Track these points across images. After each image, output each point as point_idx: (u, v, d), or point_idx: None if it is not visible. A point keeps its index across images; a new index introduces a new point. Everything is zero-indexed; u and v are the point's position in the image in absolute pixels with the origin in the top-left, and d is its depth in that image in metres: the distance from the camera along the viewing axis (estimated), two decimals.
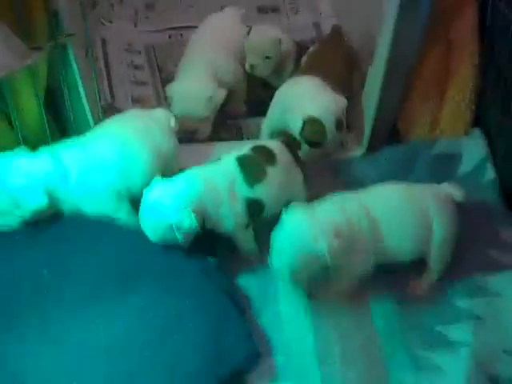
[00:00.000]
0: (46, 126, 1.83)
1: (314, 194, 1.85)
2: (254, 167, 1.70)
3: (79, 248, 1.69)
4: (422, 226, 1.64)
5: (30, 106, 1.80)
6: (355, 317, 1.66)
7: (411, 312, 1.67)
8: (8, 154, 1.70)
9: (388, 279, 1.71)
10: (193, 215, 1.60)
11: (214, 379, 1.47)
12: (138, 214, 1.67)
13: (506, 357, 1.56)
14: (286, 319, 1.64)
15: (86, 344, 1.51)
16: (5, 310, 1.56)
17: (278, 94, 2.05)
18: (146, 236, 1.66)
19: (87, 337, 1.52)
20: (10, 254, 1.66)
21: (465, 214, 1.86)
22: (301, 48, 2.32)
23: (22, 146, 1.74)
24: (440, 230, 1.65)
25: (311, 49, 2.24)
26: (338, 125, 1.90)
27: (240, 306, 1.63)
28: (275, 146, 1.77)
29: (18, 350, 1.49)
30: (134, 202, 1.74)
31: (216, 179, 1.67)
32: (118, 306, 1.58)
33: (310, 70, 2.07)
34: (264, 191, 1.69)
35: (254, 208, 1.69)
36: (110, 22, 2.79)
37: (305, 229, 1.52)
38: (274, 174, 1.71)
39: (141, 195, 1.67)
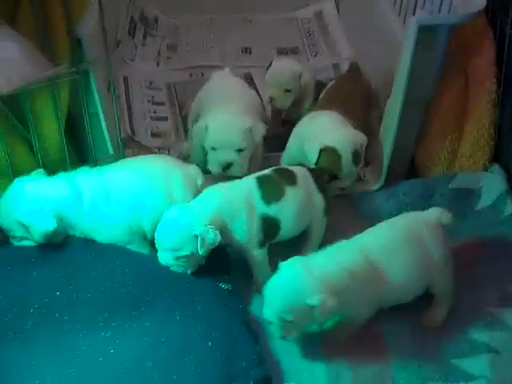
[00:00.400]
0: (66, 152, 1.85)
1: (331, 226, 1.87)
2: (272, 186, 1.72)
3: (92, 271, 1.69)
4: (421, 257, 1.62)
5: (50, 131, 1.82)
6: (368, 347, 1.63)
7: (426, 344, 1.64)
8: (24, 177, 1.72)
9: (403, 312, 1.68)
10: (216, 230, 1.62)
11: None
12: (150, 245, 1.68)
13: None
14: (299, 346, 1.62)
15: (95, 366, 1.50)
16: (16, 327, 1.56)
17: (297, 127, 2.07)
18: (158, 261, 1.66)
19: (97, 359, 1.51)
20: (25, 273, 1.67)
21: (484, 249, 1.86)
22: (320, 84, 2.34)
23: (39, 170, 1.76)
24: (439, 255, 1.63)
25: (329, 84, 2.26)
26: (355, 158, 1.90)
27: (252, 331, 1.61)
28: (298, 169, 1.80)
29: (28, 368, 1.48)
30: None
31: (234, 194, 1.69)
32: (129, 329, 1.57)
33: (329, 105, 2.08)
34: (280, 210, 1.71)
35: (269, 226, 1.70)
36: (133, 60, 2.85)
37: (299, 282, 1.50)
38: (292, 194, 1.72)
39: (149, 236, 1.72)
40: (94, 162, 1.92)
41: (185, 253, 1.63)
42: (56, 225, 1.67)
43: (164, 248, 1.66)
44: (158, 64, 2.88)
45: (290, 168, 1.80)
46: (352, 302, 1.55)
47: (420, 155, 2.09)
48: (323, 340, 1.63)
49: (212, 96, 2.15)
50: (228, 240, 1.68)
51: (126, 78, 2.72)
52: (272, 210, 1.70)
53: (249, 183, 1.73)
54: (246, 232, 1.68)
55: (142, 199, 1.74)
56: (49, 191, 1.69)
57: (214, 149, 1.95)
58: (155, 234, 1.66)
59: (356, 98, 2.13)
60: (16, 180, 1.73)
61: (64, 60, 1.76)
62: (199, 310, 1.59)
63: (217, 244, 1.63)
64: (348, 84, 2.21)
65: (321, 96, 2.23)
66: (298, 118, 2.27)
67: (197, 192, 1.77)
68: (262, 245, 1.70)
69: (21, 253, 1.72)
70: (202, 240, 1.61)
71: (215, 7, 3.14)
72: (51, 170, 1.80)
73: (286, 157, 2.07)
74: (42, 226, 1.67)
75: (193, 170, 1.83)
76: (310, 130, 1.97)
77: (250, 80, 2.75)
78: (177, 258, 1.65)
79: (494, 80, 1.96)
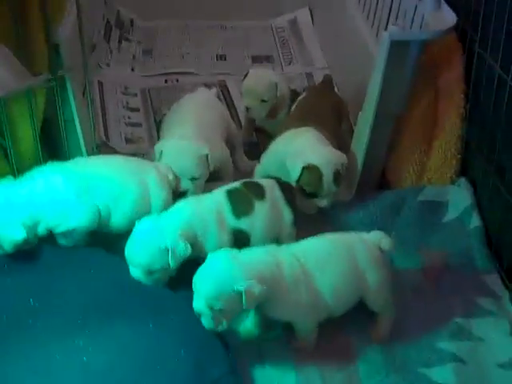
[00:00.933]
0: (41, 157, 1.85)
1: (302, 236, 1.90)
2: (242, 200, 1.75)
3: (65, 278, 1.70)
4: (352, 273, 1.63)
5: (25, 137, 1.83)
6: (337, 356, 1.65)
7: (394, 354, 1.67)
8: None
9: (371, 321, 1.72)
10: (186, 242, 1.63)
11: None
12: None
13: None
14: (269, 354, 1.64)
15: (69, 374, 1.50)
16: None
17: (276, 144, 2.06)
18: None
19: (71, 367, 1.51)
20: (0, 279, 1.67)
21: (450, 261, 1.91)
22: (295, 94, 2.37)
23: (9, 177, 1.76)
24: (371, 275, 1.64)
25: (301, 96, 2.27)
26: (336, 177, 1.91)
27: (224, 340, 1.62)
28: (266, 183, 1.82)
29: (2, 376, 1.48)
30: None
31: (205, 208, 1.71)
32: (102, 337, 1.57)
33: (303, 119, 2.09)
34: (250, 224, 1.74)
35: (239, 239, 1.72)
36: (108, 65, 2.85)
37: (227, 269, 1.51)
38: (261, 208, 1.75)
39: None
40: None
41: (155, 267, 1.64)
42: (25, 235, 1.66)
43: (134, 264, 1.66)
44: (132, 69, 2.90)
45: (259, 181, 1.83)
46: (283, 300, 1.56)
47: (390, 168, 2.14)
48: (293, 348, 1.65)
49: (174, 116, 2.12)
50: (199, 253, 1.69)
51: (100, 83, 2.73)
52: (242, 224, 1.73)
53: (219, 197, 1.76)
54: (216, 246, 1.69)
55: (119, 192, 1.77)
56: (18, 196, 1.68)
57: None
58: (125, 249, 1.67)
59: (328, 111, 2.16)
60: None
61: (42, 65, 1.76)
62: (172, 319, 1.60)
63: (187, 256, 1.64)
64: (320, 97, 2.23)
65: (293, 108, 2.25)
66: (272, 127, 2.31)
67: (170, 187, 1.82)
68: None
69: None
70: (173, 253, 1.62)
71: (191, 12, 3.17)
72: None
73: (261, 170, 2.08)
74: (12, 235, 1.66)
75: (163, 166, 1.86)
76: (293, 147, 1.97)
77: (224, 87, 2.78)
78: (148, 273, 1.66)
79: (462, 95, 2.01)
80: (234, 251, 1.57)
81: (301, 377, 1.61)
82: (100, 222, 1.76)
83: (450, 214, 2.01)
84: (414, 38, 1.84)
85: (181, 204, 1.73)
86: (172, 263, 1.62)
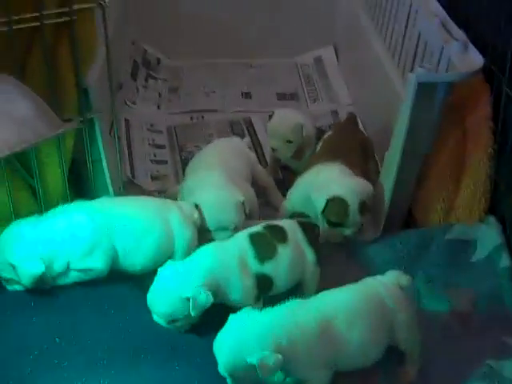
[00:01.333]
0: (69, 197, 1.87)
1: (328, 274, 1.89)
2: (265, 244, 1.74)
3: (91, 318, 1.70)
4: (381, 321, 1.61)
5: (54, 177, 1.84)
6: None
7: None
8: (22, 220, 1.74)
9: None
10: (209, 291, 1.61)
11: None
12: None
13: None
14: None
15: None
16: (15, 374, 1.56)
17: (302, 178, 2.08)
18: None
19: None
20: (25, 319, 1.68)
21: (479, 301, 1.89)
22: (320, 132, 2.38)
23: (38, 215, 1.78)
24: (400, 316, 1.62)
25: (326, 135, 2.28)
26: (362, 208, 1.92)
27: None
28: (288, 225, 1.81)
29: None
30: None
31: (228, 253, 1.70)
32: (127, 377, 1.58)
33: (331, 157, 2.10)
34: (274, 268, 1.72)
35: (263, 283, 1.71)
36: (134, 103, 2.89)
37: (243, 338, 1.48)
38: (284, 252, 1.74)
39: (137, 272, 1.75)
40: None
41: (177, 316, 1.63)
42: (43, 268, 1.68)
43: (156, 312, 1.66)
44: (158, 107, 2.93)
45: (280, 224, 1.81)
46: (301, 362, 1.52)
47: (417, 206, 2.13)
48: None
49: (200, 159, 2.13)
50: (223, 299, 1.68)
51: (127, 121, 2.77)
52: (266, 269, 1.72)
53: (242, 242, 1.74)
54: (240, 291, 1.68)
55: (142, 232, 1.77)
56: (39, 232, 1.71)
57: (209, 230, 1.89)
58: (147, 297, 1.66)
59: (356, 149, 2.16)
60: (13, 222, 1.75)
61: (71, 108, 1.79)
62: (198, 361, 1.60)
63: (209, 305, 1.62)
64: (347, 135, 2.24)
65: (319, 146, 2.26)
66: (297, 166, 2.31)
67: (195, 227, 1.82)
68: (257, 300, 1.71)
69: (20, 299, 1.73)
70: (194, 302, 1.60)
71: (217, 52, 3.21)
72: None
73: (288, 206, 2.09)
74: (30, 268, 1.67)
75: (187, 205, 1.86)
76: (318, 181, 1.99)
77: (249, 124, 2.80)
78: (170, 321, 1.65)
79: (491, 135, 2.00)
80: (256, 313, 1.54)
81: None
82: (119, 263, 1.76)
83: (479, 253, 1.98)
84: (440, 80, 1.84)
85: (203, 250, 1.70)
86: (193, 313, 1.61)
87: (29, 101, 1.63)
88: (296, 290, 1.80)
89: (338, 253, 2.03)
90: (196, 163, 2.13)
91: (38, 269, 1.67)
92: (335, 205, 1.90)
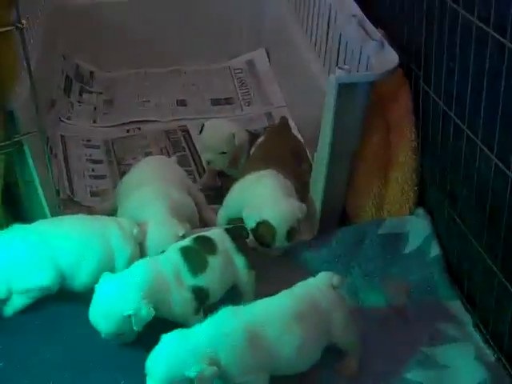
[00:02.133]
0: (3, 222, 1.87)
1: (267, 276, 1.94)
2: (196, 258, 1.78)
3: (36, 337, 1.73)
4: (318, 326, 1.65)
5: None
6: None
7: None
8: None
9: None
10: (149, 304, 1.64)
11: None
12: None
13: None
14: None
15: None
16: None
17: (238, 188, 2.11)
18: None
19: None
20: None
21: (413, 291, 1.96)
22: (253, 137, 2.41)
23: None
24: (336, 318, 1.68)
25: (260, 140, 2.32)
26: (290, 234, 1.96)
27: None
28: (216, 235, 1.85)
29: None
30: None
31: (163, 269, 1.73)
32: None
33: (261, 160, 2.15)
34: (207, 279, 1.77)
35: (199, 295, 1.75)
36: (69, 119, 2.89)
37: (178, 354, 1.51)
38: (215, 262, 1.79)
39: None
40: None
41: (120, 332, 1.66)
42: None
43: (99, 330, 1.67)
44: (94, 121, 2.93)
45: (208, 234, 1.85)
46: (235, 370, 1.55)
47: (349, 203, 2.19)
48: None
49: (133, 180, 2.13)
50: (164, 314, 1.71)
51: (63, 137, 2.76)
52: (199, 281, 1.75)
53: (174, 256, 1.77)
54: (180, 304, 1.71)
55: (82, 253, 1.80)
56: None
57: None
58: (89, 317, 1.67)
59: (287, 153, 2.20)
60: None
61: None
62: (143, 374, 1.57)
63: (151, 318, 1.65)
64: (279, 139, 2.28)
65: (252, 151, 2.30)
66: (234, 173, 2.35)
67: (134, 242, 1.85)
68: (197, 312, 1.75)
69: None
70: (137, 318, 1.62)
71: (149, 60, 3.22)
72: None
73: (223, 214, 2.13)
74: None
75: (126, 221, 1.89)
76: (251, 197, 2.02)
77: (186, 132, 2.83)
78: (114, 337, 1.68)
79: (413, 128, 2.07)
80: (186, 332, 1.57)
81: None
82: (63, 282, 1.78)
83: (411, 245, 2.05)
84: (360, 80, 1.91)
85: (137, 266, 1.73)
86: (136, 328, 1.63)
87: None
88: (235, 296, 1.85)
89: (275, 256, 2.08)
90: (131, 181, 2.14)
91: None
92: (264, 228, 1.94)
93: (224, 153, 2.31)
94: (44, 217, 1.97)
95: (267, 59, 3.25)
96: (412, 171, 2.09)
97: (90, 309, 1.67)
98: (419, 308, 1.91)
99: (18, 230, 1.79)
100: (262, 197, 1.99)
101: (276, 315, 1.63)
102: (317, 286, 1.71)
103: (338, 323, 1.68)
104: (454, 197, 1.91)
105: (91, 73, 3.21)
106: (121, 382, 1.64)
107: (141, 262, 1.75)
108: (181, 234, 1.89)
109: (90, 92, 3.11)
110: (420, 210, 2.10)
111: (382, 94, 2.12)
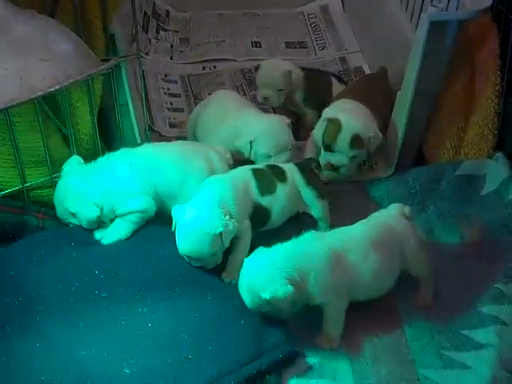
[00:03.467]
0: (99, 143, 1.96)
1: (343, 209, 2.00)
2: (266, 180, 1.86)
3: (128, 253, 1.82)
4: (395, 253, 1.72)
5: (84, 122, 1.94)
6: (385, 321, 1.75)
7: (438, 318, 1.76)
8: (70, 168, 1.86)
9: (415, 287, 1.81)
10: (232, 220, 1.72)
11: (253, 369, 1.57)
12: None
13: None
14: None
15: (135, 337, 1.61)
16: (60, 304, 1.68)
17: (325, 112, 2.15)
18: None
19: (136, 331, 1.63)
20: (66, 254, 1.79)
21: (488, 231, 1.99)
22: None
23: (75, 157, 1.88)
24: (410, 245, 1.74)
25: (355, 80, 2.36)
26: (354, 141, 2.01)
27: None
28: (287, 166, 1.93)
29: (73, 340, 1.60)
30: None
31: (236, 180, 1.82)
32: (164, 306, 1.68)
33: (352, 94, 2.18)
34: (272, 202, 1.84)
35: (260, 213, 1.83)
36: (147, 54, 2.95)
37: (258, 276, 1.61)
38: (282, 190, 1.86)
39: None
40: None
41: (212, 253, 1.74)
42: (99, 213, 1.82)
43: (189, 257, 1.75)
44: (171, 58, 2.98)
45: (281, 165, 1.93)
46: (314, 291, 1.63)
47: (428, 144, 2.22)
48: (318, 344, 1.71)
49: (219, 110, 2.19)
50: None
51: (142, 71, 2.81)
52: (264, 201, 1.83)
53: (246, 173, 1.86)
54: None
55: (186, 172, 1.87)
56: (91, 178, 1.84)
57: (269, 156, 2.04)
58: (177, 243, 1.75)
59: (380, 97, 2.23)
60: (64, 172, 1.87)
61: (100, 54, 1.87)
62: (230, 293, 1.70)
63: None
64: (373, 82, 2.32)
65: (345, 88, 2.34)
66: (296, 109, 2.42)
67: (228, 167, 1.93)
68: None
69: (61, 236, 1.85)
70: (226, 234, 1.71)
71: (224, 2, 3.25)
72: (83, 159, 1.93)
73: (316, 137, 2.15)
74: (87, 213, 1.81)
75: (221, 147, 1.98)
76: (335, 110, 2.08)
77: None
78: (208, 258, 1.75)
79: (499, 73, 2.07)
80: (264, 251, 1.65)
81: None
82: (165, 205, 1.87)
83: (488, 187, 2.08)
84: (452, 18, 1.92)
85: (217, 181, 1.80)
86: (226, 243, 1.72)
87: (70, 39, 1.69)
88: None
89: (353, 189, 2.14)
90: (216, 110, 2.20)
91: (93, 213, 1.81)
92: (330, 124, 2.01)
93: (281, 90, 2.35)
94: (134, 140, 2.05)
95: (341, 5, 3.25)
96: (493, 115, 2.09)
97: (178, 235, 1.74)
98: (494, 247, 1.95)
99: (124, 153, 1.89)
100: (342, 108, 2.06)
101: (357, 241, 1.71)
102: (390, 214, 1.78)
103: (411, 249, 1.74)
104: None
105: (167, 12, 3.26)
106: (208, 296, 1.72)
107: (217, 179, 1.82)
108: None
109: (167, 30, 3.16)
110: (499, 154, 2.11)
111: (469, 37, 2.13)
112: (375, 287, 1.72)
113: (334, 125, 2.02)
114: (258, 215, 1.83)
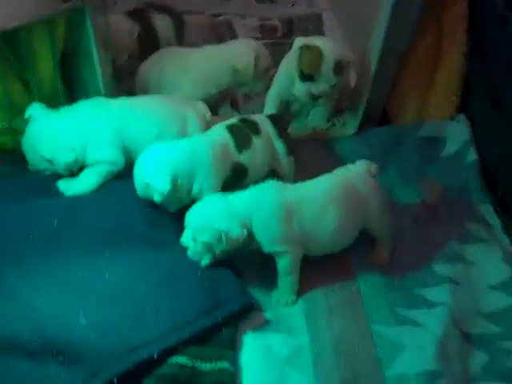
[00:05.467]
0: (60, 88, 1.92)
1: (307, 165, 2.00)
2: (242, 135, 1.85)
3: (89, 204, 1.81)
4: (355, 210, 1.72)
5: (46, 67, 1.89)
6: (339, 276, 1.77)
7: (393, 276, 1.79)
8: (39, 112, 1.83)
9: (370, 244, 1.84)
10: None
11: (209, 321, 1.58)
12: None
13: (479, 318, 1.70)
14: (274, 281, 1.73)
15: (92, 287, 1.61)
16: (18, 252, 1.66)
17: (285, 62, 2.12)
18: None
19: (93, 281, 1.62)
20: (26, 203, 1.78)
21: (447, 192, 2.02)
22: None
23: (36, 104, 1.84)
24: (373, 203, 1.74)
25: None
26: (337, 67, 1.95)
27: (237, 266, 1.74)
28: (259, 118, 1.92)
29: (29, 287, 1.59)
30: None
31: (213, 144, 1.80)
32: (122, 258, 1.68)
33: None
34: (249, 157, 1.84)
35: (239, 172, 1.82)
36: (115, 3, 2.88)
37: (213, 207, 1.64)
38: (258, 143, 1.86)
39: None
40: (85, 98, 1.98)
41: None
42: (74, 157, 1.80)
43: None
44: None
45: (253, 117, 1.92)
46: (267, 238, 1.65)
47: (392, 103, 2.22)
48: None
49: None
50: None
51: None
52: (242, 158, 1.83)
53: (222, 132, 1.84)
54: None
55: (159, 133, 1.86)
56: (68, 124, 1.82)
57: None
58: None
59: None
60: (30, 118, 1.82)
61: None
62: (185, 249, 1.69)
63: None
64: None
65: None
66: None
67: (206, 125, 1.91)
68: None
69: (21, 185, 1.84)
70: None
71: None
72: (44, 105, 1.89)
73: (273, 94, 2.15)
74: (64, 158, 1.79)
75: (200, 105, 1.96)
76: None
77: (229, 27, 2.83)
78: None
79: (465, 33, 2.08)
80: (227, 194, 1.68)
81: (307, 299, 1.73)
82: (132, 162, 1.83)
83: (449, 149, 2.10)
84: None
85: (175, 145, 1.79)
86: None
87: None
88: None
89: (316, 147, 2.15)
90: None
91: (70, 157, 1.80)
92: (310, 53, 1.94)
93: None
94: (97, 88, 2.01)
95: None
96: (458, 76, 2.10)
97: (136, 174, 1.75)
98: (451, 208, 1.98)
99: (101, 103, 1.86)
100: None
101: (315, 195, 1.71)
102: (356, 171, 1.77)
103: (374, 207, 1.75)
104: (500, 103, 1.94)
105: None
106: (166, 251, 1.71)
107: (182, 140, 1.81)
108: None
109: None
110: (461, 116, 2.13)
111: None
112: (333, 243, 1.73)
113: (314, 52, 1.93)
114: (236, 174, 1.82)
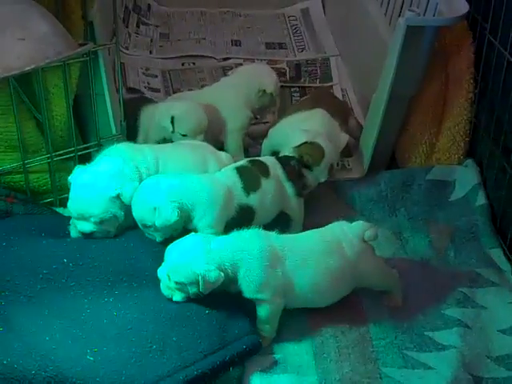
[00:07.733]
0: (72, 129, 1.95)
1: (316, 209, 2.02)
2: (250, 177, 1.86)
3: (98, 243, 1.81)
4: (341, 268, 1.70)
5: (59, 109, 1.91)
6: (350, 317, 1.76)
7: (403, 319, 1.79)
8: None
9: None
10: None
11: (217, 360, 1.57)
12: None
13: (490, 362, 1.68)
14: (286, 321, 1.72)
15: (100, 326, 1.60)
16: (27, 290, 1.66)
17: (284, 121, 2.17)
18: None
19: (102, 320, 1.61)
20: (35, 241, 1.78)
21: (456, 236, 2.03)
22: None
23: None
24: (362, 269, 1.72)
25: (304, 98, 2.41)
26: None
27: (245, 305, 1.72)
28: (269, 161, 1.93)
29: (38, 326, 1.58)
30: None
31: (218, 183, 1.82)
32: (130, 297, 1.68)
33: (310, 104, 2.20)
34: (258, 199, 1.84)
35: (245, 214, 1.83)
36: (127, 48, 2.95)
37: (192, 249, 1.63)
38: (266, 185, 1.86)
39: None
40: (98, 142, 2.01)
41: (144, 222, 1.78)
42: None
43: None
44: (150, 52, 2.99)
45: (262, 159, 1.93)
46: (244, 285, 1.64)
47: (401, 148, 2.25)
48: (308, 314, 1.75)
49: None
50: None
51: (122, 64, 2.81)
52: (250, 200, 1.83)
53: (230, 174, 1.86)
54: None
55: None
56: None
57: None
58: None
59: (336, 105, 2.25)
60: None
61: (78, 40, 1.86)
62: None
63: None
64: (324, 96, 2.34)
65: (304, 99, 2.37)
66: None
67: None
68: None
69: (31, 223, 1.84)
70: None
71: (207, 0, 3.27)
72: (56, 147, 1.94)
73: (268, 144, 2.18)
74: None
75: (224, 155, 1.99)
76: (303, 125, 2.08)
77: None
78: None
79: (472, 81, 2.12)
80: (210, 236, 1.68)
81: (316, 340, 1.71)
82: None
83: (457, 193, 2.12)
84: (429, 23, 1.95)
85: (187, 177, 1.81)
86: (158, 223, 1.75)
87: (48, 21, 1.67)
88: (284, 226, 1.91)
89: (325, 190, 2.16)
90: None
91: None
92: (313, 149, 1.98)
93: None
94: (109, 131, 2.04)
95: (322, 8, 3.28)
96: (465, 122, 2.14)
97: (142, 196, 1.78)
98: (461, 252, 1.99)
99: (127, 151, 1.86)
100: (315, 126, 2.06)
101: (298, 245, 1.70)
102: (347, 234, 1.74)
103: (366, 274, 1.74)
104: (508, 148, 1.96)
105: (149, 5, 3.26)
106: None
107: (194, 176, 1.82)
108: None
109: (147, 24, 3.16)
110: (469, 161, 2.16)
111: (445, 44, 2.16)
112: (314, 299, 1.71)
113: (318, 150, 1.98)
114: (241, 215, 1.82)
